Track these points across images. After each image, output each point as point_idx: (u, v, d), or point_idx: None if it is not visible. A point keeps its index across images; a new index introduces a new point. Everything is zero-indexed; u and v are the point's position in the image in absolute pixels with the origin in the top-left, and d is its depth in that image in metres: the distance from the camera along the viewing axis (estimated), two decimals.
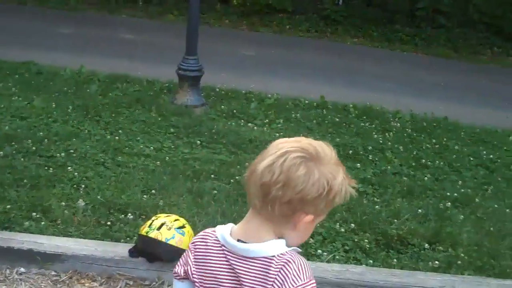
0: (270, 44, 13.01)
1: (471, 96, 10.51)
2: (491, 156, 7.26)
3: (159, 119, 6.93)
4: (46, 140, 5.87)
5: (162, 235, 4.02)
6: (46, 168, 5.31)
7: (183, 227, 4.15)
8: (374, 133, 7.51)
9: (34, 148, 5.66)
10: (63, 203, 4.72)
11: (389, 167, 6.46)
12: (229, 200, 5.15)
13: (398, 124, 8.03)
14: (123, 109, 7.10)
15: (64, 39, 10.88)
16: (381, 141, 7.22)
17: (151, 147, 6.13)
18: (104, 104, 7.16)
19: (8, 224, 4.38)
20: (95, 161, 5.62)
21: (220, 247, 1.81)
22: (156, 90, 8.08)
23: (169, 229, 4.06)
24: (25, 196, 4.75)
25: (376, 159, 6.62)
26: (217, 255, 1.82)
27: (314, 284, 1.74)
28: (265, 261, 1.74)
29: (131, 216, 4.66)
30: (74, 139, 6.01)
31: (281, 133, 6.99)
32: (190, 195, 5.17)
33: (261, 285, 1.74)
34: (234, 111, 7.58)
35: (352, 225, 4.94)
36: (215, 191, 5.28)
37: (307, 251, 4.47)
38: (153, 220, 4.13)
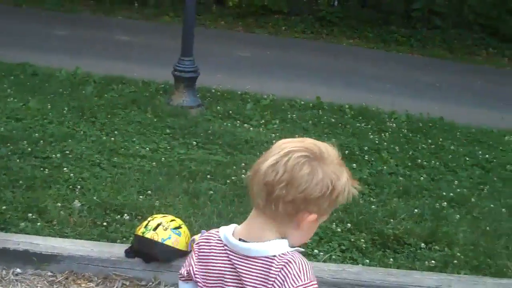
0: (266, 45, 13.02)
1: (467, 96, 10.52)
2: (487, 156, 7.26)
3: (155, 120, 6.92)
4: (41, 141, 5.86)
5: (159, 236, 4.02)
6: (41, 169, 5.30)
7: (179, 227, 4.14)
8: (370, 133, 7.51)
9: (29, 149, 5.65)
10: (59, 204, 4.72)
11: (385, 167, 6.46)
12: (225, 200, 5.15)
13: (394, 124, 8.04)
14: (118, 110, 7.10)
15: (60, 41, 10.88)
16: (377, 142, 7.22)
17: (147, 148, 6.13)
18: (100, 105, 7.16)
19: (3, 225, 4.37)
20: (91, 162, 5.61)
21: (223, 247, 1.82)
22: (152, 91, 8.07)
23: (166, 229, 4.06)
24: (20, 197, 4.75)
25: (372, 159, 6.63)
26: (219, 255, 1.83)
27: (316, 286, 1.74)
28: (267, 261, 1.74)
29: (127, 217, 4.65)
30: (69, 140, 6.00)
31: (277, 134, 6.99)
32: (186, 195, 5.16)
33: (262, 285, 1.74)
34: (230, 112, 7.58)
35: (349, 225, 4.94)
36: (211, 192, 5.28)
37: (303, 251, 4.46)
38: (149, 221, 4.13)
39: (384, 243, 4.83)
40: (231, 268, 1.79)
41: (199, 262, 1.88)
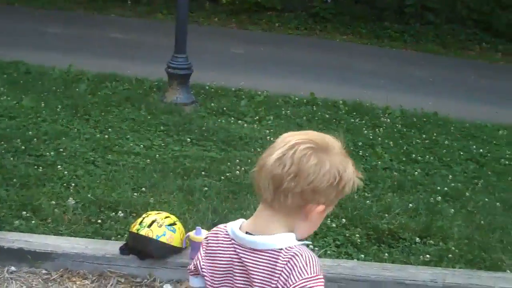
0: (260, 42, 13.01)
1: (461, 91, 10.54)
2: (481, 150, 7.28)
3: (149, 117, 6.91)
4: (35, 139, 5.85)
5: (153, 232, 4.01)
6: (35, 167, 5.29)
7: (174, 224, 4.14)
8: (364, 129, 7.52)
9: (23, 147, 5.64)
10: (53, 202, 4.71)
11: (379, 162, 6.47)
12: (220, 196, 5.15)
13: (388, 119, 8.04)
14: (112, 108, 7.09)
15: (53, 39, 10.85)
16: (371, 137, 7.23)
17: (141, 145, 6.12)
18: (94, 103, 7.15)
19: None
20: (85, 160, 5.61)
21: (230, 241, 1.83)
22: (146, 89, 8.06)
23: (160, 226, 4.05)
24: (15, 195, 4.74)
25: (367, 154, 6.64)
26: (227, 249, 1.83)
27: (322, 280, 1.73)
28: (273, 254, 1.74)
29: (122, 214, 4.64)
30: (63, 138, 5.99)
31: (271, 130, 7.01)
32: (180, 192, 5.16)
33: (269, 278, 1.74)
34: (224, 108, 7.57)
35: (343, 220, 4.94)
36: (206, 188, 5.28)
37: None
38: (143, 218, 4.12)
39: (379, 238, 4.83)
40: (239, 261, 1.80)
41: (206, 256, 1.89)
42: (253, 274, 1.76)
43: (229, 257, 1.82)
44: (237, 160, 5.96)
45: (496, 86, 11.54)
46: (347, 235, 4.78)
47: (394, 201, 5.51)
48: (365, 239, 4.79)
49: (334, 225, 4.85)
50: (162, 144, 6.25)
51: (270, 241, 1.75)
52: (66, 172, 5.26)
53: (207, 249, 1.89)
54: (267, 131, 6.98)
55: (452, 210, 5.52)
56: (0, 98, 6.93)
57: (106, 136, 6.23)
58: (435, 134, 7.67)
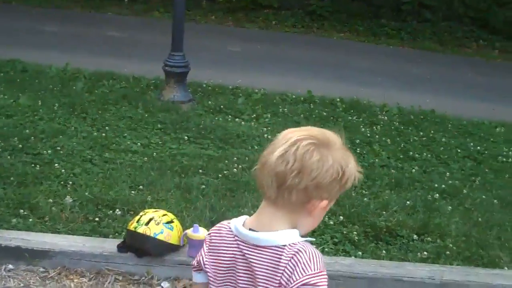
0: (257, 40, 12.99)
1: (458, 88, 10.54)
2: (478, 147, 7.28)
3: (146, 115, 6.91)
4: (32, 137, 5.84)
5: (151, 230, 4.01)
6: (33, 165, 5.29)
7: (171, 222, 4.14)
8: (361, 126, 7.52)
9: (20, 145, 5.63)
10: (51, 200, 4.71)
11: (377, 160, 6.47)
12: (217, 194, 5.15)
13: (386, 117, 8.05)
14: (109, 106, 7.08)
15: (50, 37, 10.83)
16: (368, 135, 7.23)
17: (139, 143, 6.12)
18: (91, 101, 7.14)
19: None
20: (82, 158, 5.60)
21: (233, 237, 1.83)
22: (143, 87, 8.06)
23: (158, 224, 4.05)
24: (12, 193, 4.74)
25: (364, 152, 6.64)
26: (230, 245, 1.84)
27: (325, 276, 1.73)
28: (277, 250, 1.75)
29: (119, 212, 4.64)
30: (60, 136, 5.99)
31: (269, 128, 7.01)
32: (178, 190, 5.16)
33: (272, 274, 1.75)
34: (221, 106, 7.57)
35: (341, 217, 4.94)
36: (203, 186, 5.27)
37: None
38: (141, 216, 4.12)
39: (376, 235, 4.84)
40: (242, 258, 1.81)
41: (209, 252, 1.89)
42: (257, 270, 1.77)
43: (232, 254, 1.83)
44: (235, 158, 5.96)
45: (493, 83, 11.54)
46: (344, 232, 4.78)
47: (392, 199, 5.52)
48: (363, 237, 4.79)
49: (331, 222, 4.85)
50: (160, 142, 6.24)
51: (273, 237, 1.76)
52: (63, 170, 5.25)
53: (210, 245, 1.90)
54: (265, 129, 6.98)
55: (450, 207, 5.53)
56: None
57: (103, 134, 6.22)
58: (432, 131, 7.68)
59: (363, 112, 8.14)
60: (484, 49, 14.96)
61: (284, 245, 1.74)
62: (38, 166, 5.28)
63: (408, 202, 5.45)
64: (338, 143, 1.78)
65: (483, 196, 5.86)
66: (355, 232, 4.79)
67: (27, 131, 6.00)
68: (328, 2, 15.98)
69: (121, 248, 4.10)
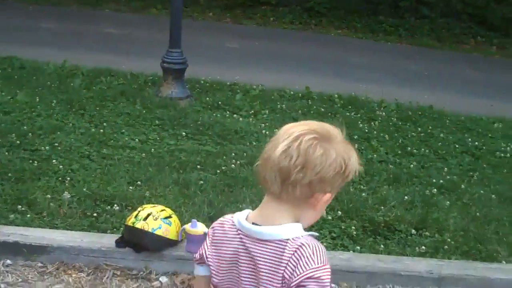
0: (254, 37, 13.00)
1: (456, 85, 10.55)
2: (476, 143, 7.29)
3: (144, 111, 6.90)
4: (30, 134, 5.84)
5: (149, 226, 4.00)
6: (30, 161, 5.28)
7: (169, 217, 4.13)
8: (359, 122, 7.52)
9: (18, 142, 5.62)
10: (49, 196, 4.70)
11: (375, 155, 6.48)
12: (215, 190, 5.14)
13: (384, 113, 8.05)
14: (107, 102, 7.07)
15: (47, 34, 10.82)
16: (366, 130, 7.24)
17: (136, 139, 6.11)
18: (88, 98, 7.13)
19: None
20: (80, 154, 5.59)
21: (236, 231, 1.84)
22: (141, 83, 8.05)
23: (156, 219, 4.04)
24: (10, 189, 4.73)
25: (362, 148, 6.63)
26: (233, 239, 1.85)
27: (329, 269, 1.74)
28: (280, 244, 1.76)
29: (117, 208, 4.64)
30: (58, 133, 5.98)
31: (267, 124, 7.01)
32: (176, 186, 5.15)
33: (275, 267, 1.75)
34: (219, 102, 7.56)
35: (339, 212, 4.94)
36: (202, 182, 5.27)
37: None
38: (139, 211, 4.11)
39: (374, 230, 4.84)
40: (245, 252, 1.81)
41: (212, 246, 1.91)
42: (260, 264, 1.78)
43: (235, 247, 1.84)
44: (233, 154, 5.96)
45: (491, 79, 11.56)
46: (342, 227, 4.78)
47: (390, 194, 5.52)
48: (361, 231, 4.79)
49: (330, 217, 4.84)
50: (158, 138, 6.24)
51: (276, 231, 1.77)
52: (61, 167, 5.24)
53: (213, 239, 1.91)
54: (263, 125, 6.98)
55: (448, 202, 5.53)
56: None
57: (101, 130, 6.21)
58: (430, 127, 7.68)
59: (361, 108, 8.14)
60: (482, 45, 14.98)
61: (288, 239, 1.75)
62: (36, 162, 5.28)
63: (406, 197, 5.46)
64: (339, 137, 1.79)
65: (481, 191, 5.87)
66: (353, 227, 4.79)
67: (25, 127, 6.00)
68: None
69: (119, 243, 4.09)
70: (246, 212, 1.87)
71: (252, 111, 7.44)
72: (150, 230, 4.00)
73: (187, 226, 4.06)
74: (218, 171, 5.54)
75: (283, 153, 1.72)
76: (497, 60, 13.91)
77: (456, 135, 7.55)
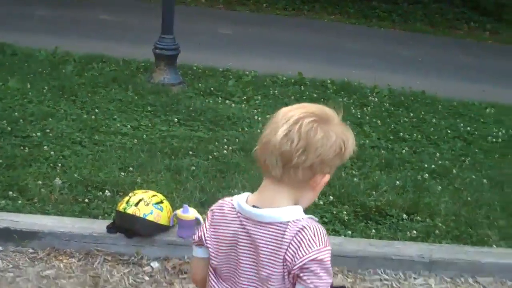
0: (247, 23, 12.95)
1: (448, 70, 10.57)
2: (468, 128, 7.30)
3: (136, 98, 6.88)
4: (21, 120, 5.81)
5: (140, 211, 4.00)
6: (21, 148, 5.26)
7: (161, 202, 4.13)
8: (352, 108, 7.52)
9: (9, 128, 5.60)
10: (40, 182, 4.69)
11: (367, 141, 6.48)
12: (207, 176, 5.14)
13: (376, 99, 8.05)
14: (99, 89, 7.05)
15: (39, 21, 10.75)
16: (359, 116, 7.24)
17: (128, 126, 6.09)
18: (80, 84, 7.11)
19: None
20: (71, 140, 5.58)
21: (236, 214, 1.86)
22: (133, 70, 8.02)
23: (147, 205, 4.04)
24: (0, 175, 4.71)
25: (354, 133, 6.52)
26: (232, 221, 1.86)
27: (330, 251, 1.76)
28: (280, 227, 1.77)
29: (109, 193, 4.63)
30: (50, 119, 5.96)
31: (259, 110, 7.00)
32: (168, 172, 5.15)
33: (276, 250, 1.77)
34: (212, 88, 7.55)
35: (331, 197, 4.95)
36: (194, 168, 5.27)
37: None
38: (130, 197, 4.11)
39: (366, 215, 4.85)
40: (245, 234, 1.83)
41: (211, 228, 1.92)
42: (261, 246, 1.79)
43: (234, 230, 1.85)
44: (225, 140, 5.96)
45: (484, 65, 11.58)
46: (334, 212, 4.79)
47: (382, 179, 5.53)
48: (353, 216, 4.80)
49: (321, 202, 4.85)
50: (150, 125, 6.22)
51: (277, 214, 1.78)
52: (52, 153, 5.23)
53: (212, 221, 1.92)
54: (255, 110, 6.98)
55: (439, 187, 5.55)
56: None
57: (93, 116, 6.20)
58: (422, 112, 7.69)
59: (354, 93, 8.14)
60: (475, 30, 15.00)
61: (288, 221, 1.77)
62: (27, 148, 5.26)
63: (398, 182, 5.47)
64: (336, 118, 1.80)
65: (473, 176, 5.89)
66: (345, 212, 4.80)
67: (16, 114, 5.97)
68: None
69: (111, 229, 4.09)
70: (246, 195, 1.88)
71: (245, 97, 7.43)
72: (141, 216, 3.99)
73: (179, 212, 4.06)
74: (210, 157, 5.54)
75: (284, 137, 1.73)
76: (490, 46, 13.94)
77: (448, 120, 7.57)
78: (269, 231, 1.78)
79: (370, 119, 7.17)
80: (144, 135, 5.90)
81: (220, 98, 7.31)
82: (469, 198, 5.37)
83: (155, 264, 4.01)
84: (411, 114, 7.57)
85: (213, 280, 1.96)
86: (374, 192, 5.19)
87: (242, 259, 1.85)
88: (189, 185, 4.90)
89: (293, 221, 1.77)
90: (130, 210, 4.00)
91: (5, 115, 5.91)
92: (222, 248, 1.90)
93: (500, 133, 7.30)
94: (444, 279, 4.27)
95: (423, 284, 4.19)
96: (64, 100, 6.58)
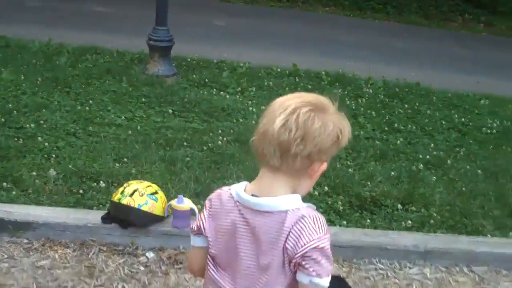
0: (242, 15, 12.92)
1: (443, 62, 10.56)
2: (463, 119, 7.31)
3: (130, 89, 6.86)
4: (15, 111, 5.79)
5: (135, 202, 4.00)
6: (16, 139, 5.25)
7: (155, 193, 4.13)
8: (346, 99, 7.51)
9: (3, 119, 5.58)
10: (34, 173, 4.67)
11: (362, 132, 6.48)
12: (202, 167, 5.14)
13: (371, 90, 8.04)
14: (93, 80, 7.03)
15: (33, 12, 10.71)
16: (353, 107, 7.23)
17: (123, 117, 6.08)
18: (74, 76, 7.08)
19: None
20: (65, 131, 5.56)
21: (234, 203, 1.87)
22: (127, 61, 7.99)
23: (142, 195, 4.04)
24: None
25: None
26: (231, 210, 1.87)
27: (329, 238, 1.79)
28: (280, 215, 1.78)
29: (104, 184, 4.62)
30: (44, 110, 5.94)
31: (254, 101, 6.99)
32: (163, 162, 5.14)
33: (276, 238, 1.78)
34: (206, 80, 7.54)
35: (326, 188, 4.95)
36: (188, 158, 5.26)
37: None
38: (125, 187, 4.10)
39: (361, 205, 4.85)
40: (244, 223, 1.84)
41: (209, 217, 1.93)
42: (260, 235, 1.81)
43: (233, 219, 1.86)
44: (220, 131, 5.95)
45: (478, 56, 11.58)
46: (329, 202, 4.79)
47: (377, 170, 5.53)
48: (348, 207, 4.80)
49: (316, 193, 4.85)
50: (144, 116, 6.20)
51: (275, 202, 1.79)
52: (46, 144, 5.21)
53: (210, 210, 1.93)
54: (249, 102, 6.96)
55: (434, 177, 5.55)
56: None
57: (87, 108, 6.17)
58: (417, 104, 7.69)
59: (348, 85, 8.14)
60: (469, 23, 15.01)
61: (287, 210, 1.78)
62: (21, 139, 5.24)
63: (392, 173, 5.47)
64: (332, 107, 1.82)
65: (467, 167, 5.89)
66: (340, 202, 4.80)
67: (10, 105, 5.95)
68: None
69: (105, 219, 4.08)
70: (244, 184, 1.89)
71: (239, 89, 7.42)
72: (136, 206, 3.99)
73: (174, 202, 4.06)
74: (204, 148, 5.53)
75: (282, 127, 1.74)
76: (484, 38, 13.95)
77: (443, 111, 7.56)
78: (268, 219, 1.79)
79: (365, 110, 7.17)
80: (139, 126, 5.88)
81: (214, 89, 7.29)
82: (463, 189, 5.38)
83: (150, 254, 4.00)
84: (406, 106, 7.57)
85: (212, 269, 1.96)
86: (369, 183, 5.20)
87: (240, 248, 1.86)
88: (184, 176, 4.89)
89: (292, 209, 1.78)
90: (124, 201, 4.00)
91: None
92: (220, 237, 1.91)
93: (494, 124, 7.30)
94: (439, 269, 4.27)
95: (418, 274, 4.20)
96: (58, 91, 6.56)
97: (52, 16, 10.54)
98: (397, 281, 4.11)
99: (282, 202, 1.79)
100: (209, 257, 1.97)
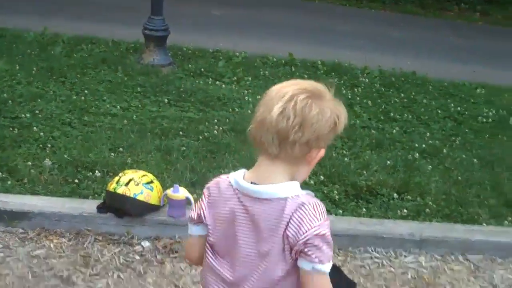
0: (238, 4, 12.85)
1: (439, 51, 10.55)
2: (459, 108, 7.31)
3: (126, 79, 6.84)
4: (10, 101, 5.78)
5: (130, 191, 4.00)
6: (11, 129, 5.24)
7: (151, 182, 4.13)
8: (342, 88, 7.49)
9: None
10: (29, 163, 4.67)
11: (358, 121, 6.48)
12: (197, 156, 5.14)
13: (367, 79, 8.04)
14: (88, 70, 7.01)
15: (28, 2, 10.63)
16: (349, 97, 7.22)
17: (118, 107, 6.07)
18: (69, 65, 7.06)
19: None
20: (61, 121, 5.55)
21: (233, 191, 1.87)
22: (122, 51, 7.97)
23: (137, 184, 4.04)
24: None
25: None
26: (230, 198, 1.88)
27: (329, 224, 1.81)
28: (279, 203, 1.79)
29: (99, 174, 4.62)
30: (39, 100, 5.92)
31: (250, 90, 6.98)
32: (158, 152, 5.14)
33: (276, 225, 1.79)
34: (202, 69, 7.52)
35: (322, 177, 4.95)
36: (184, 148, 5.26)
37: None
38: (120, 177, 4.10)
39: (357, 194, 4.86)
40: (243, 211, 1.84)
41: (209, 205, 1.93)
42: (260, 222, 1.81)
43: (232, 207, 1.87)
44: (215, 120, 5.94)
45: (474, 46, 11.56)
46: (325, 191, 4.80)
47: (372, 159, 5.54)
48: (343, 196, 4.81)
49: (312, 182, 4.86)
50: (139, 105, 6.19)
51: (274, 190, 1.80)
52: (42, 134, 5.21)
53: (209, 199, 1.94)
54: (245, 91, 6.95)
55: (430, 166, 5.56)
56: None
57: (83, 98, 6.16)
58: (413, 93, 7.69)
59: (344, 74, 8.13)
60: (465, 12, 14.98)
61: (286, 197, 1.78)
62: (16, 129, 5.23)
63: (388, 162, 5.48)
64: (328, 94, 1.82)
65: (463, 156, 5.91)
66: (335, 191, 4.81)
67: (5, 95, 5.93)
68: None
69: (101, 209, 4.08)
70: (242, 172, 1.90)
71: (235, 78, 7.40)
72: (131, 195, 3.99)
73: (169, 191, 4.06)
74: (200, 137, 5.53)
75: (280, 115, 1.74)
76: (480, 27, 13.93)
77: (439, 100, 7.57)
78: (267, 207, 1.80)
79: (361, 99, 7.16)
80: (134, 116, 5.87)
81: (210, 79, 7.28)
82: (459, 178, 5.39)
83: (146, 244, 4.00)
84: (402, 95, 7.56)
85: (211, 257, 1.97)
86: (364, 172, 5.20)
87: (239, 235, 1.86)
88: (180, 165, 4.89)
89: (292, 197, 1.78)
90: (120, 190, 4.00)
91: None
92: (218, 224, 1.91)
93: (490, 113, 7.31)
94: (434, 257, 4.28)
95: (413, 262, 4.21)
96: (53, 81, 6.54)
97: (47, 6, 10.48)
98: (392, 269, 4.12)
99: (281, 190, 1.79)
100: (207, 245, 1.97)
